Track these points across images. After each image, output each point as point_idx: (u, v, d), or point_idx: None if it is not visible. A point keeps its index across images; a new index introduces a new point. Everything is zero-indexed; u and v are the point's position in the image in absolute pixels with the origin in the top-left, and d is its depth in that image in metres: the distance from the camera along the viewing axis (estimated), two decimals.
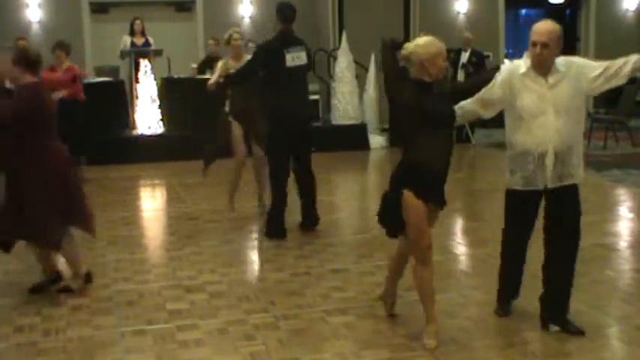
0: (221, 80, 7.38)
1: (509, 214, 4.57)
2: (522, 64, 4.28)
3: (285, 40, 6.87)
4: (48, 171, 5.00)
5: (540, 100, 4.21)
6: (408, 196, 4.14)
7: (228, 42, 7.63)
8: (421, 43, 4.14)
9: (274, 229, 6.90)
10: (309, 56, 7.10)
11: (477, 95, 4.40)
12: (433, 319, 4.30)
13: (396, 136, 4.00)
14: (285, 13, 6.86)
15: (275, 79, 6.88)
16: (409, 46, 4.17)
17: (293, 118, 6.83)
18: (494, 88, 4.35)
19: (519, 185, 4.37)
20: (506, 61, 4.63)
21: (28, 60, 5.04)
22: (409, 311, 4.82)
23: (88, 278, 5.37)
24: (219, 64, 7.67)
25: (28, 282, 5.66)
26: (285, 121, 6.79)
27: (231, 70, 7.34)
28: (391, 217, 4.30)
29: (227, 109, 7.73)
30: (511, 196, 4.48)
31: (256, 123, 7.50)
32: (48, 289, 5.34)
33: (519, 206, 4.47)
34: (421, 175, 4.16)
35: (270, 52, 6.85)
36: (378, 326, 4.60)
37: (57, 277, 5.37)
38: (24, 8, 13.42)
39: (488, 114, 4.50)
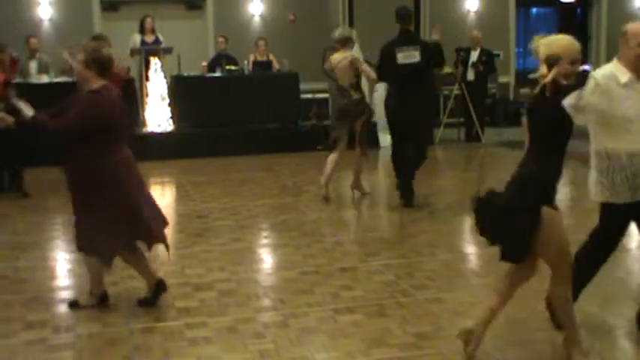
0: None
1: (606, 228, 4.32)
2: (617, 70, 4.11)
3: (401, 39, 7.77)
4: (101, 186, 4.68)
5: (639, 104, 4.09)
6: (550, 213, 3.70)
7: (351, 40, 8.22)
8: (547, 40, 3.79)
9: (408, 199, 7.86)
10: (429, 53, 7.87)
11: (572, 102, 3.90)
12: (580, 342, 3.92)
13: (533, 146, 3.73)
14: (401, 14, 7.80)
15: (389, 77, 7.91)
16: (536, 41, 3.84)
17: (402, 112, 7.79)
18: (590, 96, 3.99)
19: (624, 197, 4.15)
20: (587, 67, 4.44)
21: (99, 63, 4.73)
22: (418, 310, 4.82)
23: (103, 299, 5.03)
24: (362, 59, 8.35)
25: (38, 278, 5.70)
26: (397, 114, 7.83)
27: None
28: (522, 238, 3.73)
29: (354, 98, 8.13)
30: (609, 209, 4.26)
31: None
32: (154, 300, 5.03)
33: (617, 220, 4.26)
34: (552, 188, 3.78)
35: (385, 52, 7.81)
36: (387, 325, 4.60)
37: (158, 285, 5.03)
38: (35, 6, 13.46)
39: (578, 121, 4.10)
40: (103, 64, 4.76)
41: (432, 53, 8.13)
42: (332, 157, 8.24)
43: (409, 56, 7.69)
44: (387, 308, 4.88)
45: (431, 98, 7.98)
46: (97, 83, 4.74)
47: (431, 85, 8.11)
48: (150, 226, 4.86)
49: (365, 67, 8.14)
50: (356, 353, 4.19)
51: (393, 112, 7.93)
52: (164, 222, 5.10)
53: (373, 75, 8.18)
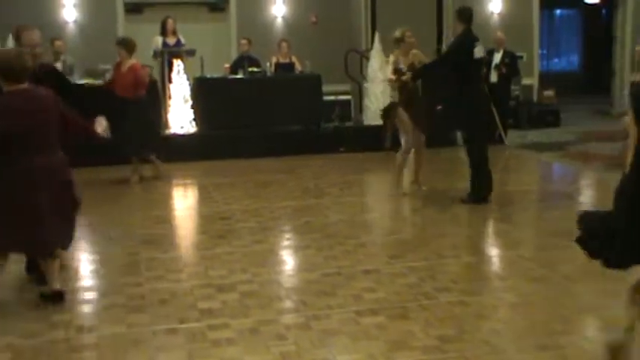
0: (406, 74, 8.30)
1: None
2: None
3: (472, 36, 8.06)
4: (14, 192, 4.80)
5: None
6: None
7: (402, 39, 8.41)
8: None
9: (479, 197, 8.01)
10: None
11: None
12: None
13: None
14: (469, 14, 8.13)
15: (466, 70, 8.00)
16: None
17: (484, 107, 8.40)
18: None
19: None
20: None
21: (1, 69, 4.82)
22: (441, 313, 4.79)
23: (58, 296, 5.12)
24: (391, 59, 8.52)
25: (62, 279, 5.73)
26: (482, 109, 8.22)
27: (401, 65, 8.33)
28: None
29: (393, 98, 8.48)
30: None
31: (421, 110, 8.53)
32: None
33: None
34: None
35: (466, 45, 7.98)
36: (409, 327, 4.58)
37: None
38: (60, 8, 13.59)
39: None
40: (4, 69, 4.79)
41: None
42: (410, 156, 8.78)
43: (480, 51, 8.12)
44: (410, 311, 4.85)
45: None
46: (7, 88, 4.80)
47: None
48: (35, 237, 4.92)
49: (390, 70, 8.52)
50: (378, 356, 4.17)
51: (481, 105, 8.22)
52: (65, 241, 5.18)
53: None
